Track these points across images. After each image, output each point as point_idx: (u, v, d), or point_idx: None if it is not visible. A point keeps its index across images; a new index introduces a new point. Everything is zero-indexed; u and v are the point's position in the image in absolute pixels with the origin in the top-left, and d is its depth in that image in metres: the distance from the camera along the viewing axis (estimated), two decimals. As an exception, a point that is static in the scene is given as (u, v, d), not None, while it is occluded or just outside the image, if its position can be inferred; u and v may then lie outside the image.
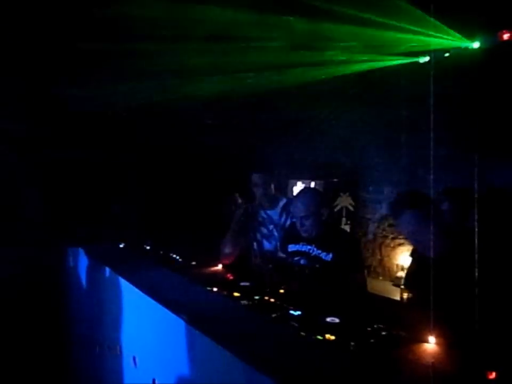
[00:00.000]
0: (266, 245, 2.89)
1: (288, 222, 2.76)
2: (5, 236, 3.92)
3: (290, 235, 2.47)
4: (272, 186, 2.91)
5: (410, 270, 2.34)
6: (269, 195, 2.90)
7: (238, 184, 3.55)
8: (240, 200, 3.15)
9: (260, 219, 2.92)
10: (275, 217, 2.90)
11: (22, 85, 4.06)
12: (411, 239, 2.08)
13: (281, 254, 2.60)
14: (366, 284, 2.35)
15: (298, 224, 2.34)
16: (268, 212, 2.92)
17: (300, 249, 2.39)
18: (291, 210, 2.55)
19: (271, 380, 1.19)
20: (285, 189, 3.02)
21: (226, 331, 1.56)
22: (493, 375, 1.22)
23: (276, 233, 2.86)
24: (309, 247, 2.34)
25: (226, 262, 2.68)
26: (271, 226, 2.89)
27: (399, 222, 2.06)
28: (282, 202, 2.93)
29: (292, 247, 2.44)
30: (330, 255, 2.25)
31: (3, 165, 4.11)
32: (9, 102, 4.10)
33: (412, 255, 2.38)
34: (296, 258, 2.38)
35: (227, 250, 2.79)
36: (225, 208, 3.16)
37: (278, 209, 2.91)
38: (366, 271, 2.55)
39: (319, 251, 2.29)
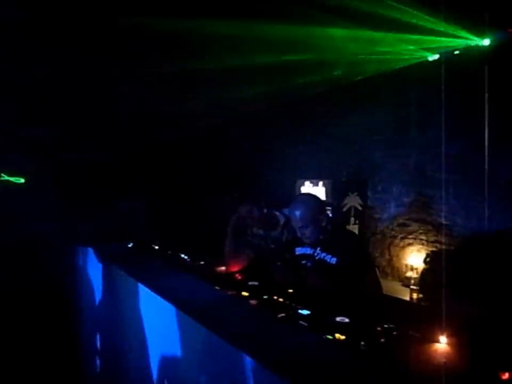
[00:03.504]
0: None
1: (290, 237, 2.74)
2: (14, 234, 3.96)
3: (296, 238, 2.44)
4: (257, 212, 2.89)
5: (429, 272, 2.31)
6: (261, 221, 2.88)
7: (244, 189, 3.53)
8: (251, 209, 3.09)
9: (260, 238, 2.91)
10: (276, 236, 2.87)
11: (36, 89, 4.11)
12: None
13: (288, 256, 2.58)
14: (379, 285, 2.32)
15: (298, 234, 2.33)
16: (268, 232, 2.90)
17: (305, 252, 2.38)
18: (289, 217, 2.52)
19: (282, 380, 1.19)
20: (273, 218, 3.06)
21: (237, 330, 1.56)
22: (506, 376, 1.20)
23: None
24: (313, 250, 2.33)
25: (234, 269, 2.66)
26: (272, 245, 2.86)
27: None
28: (282, 220, 2.90)
29: (299, 250, 2.43)
30: (335, 259, 2.22)
31: (14, 166, 4.16)
32: (18, 104, 4.14)
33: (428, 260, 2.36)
34: (303, 262, 2.36)
35: (228, 256, 2.78)
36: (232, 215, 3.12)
37: (279, 228, 2.89)
38: (377, 272, 2.49)
39: (324, 254, 2.27)
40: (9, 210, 4.04)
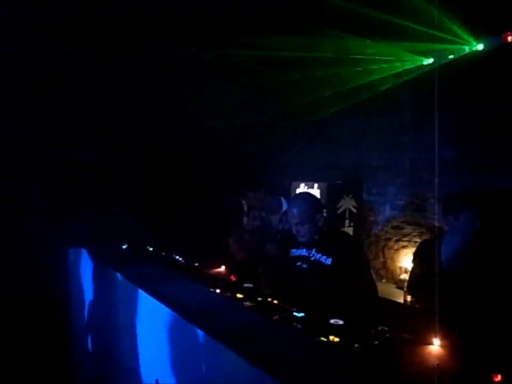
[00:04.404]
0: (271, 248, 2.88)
1: (286, 227, 2.74)
2: (6, 236, 3.93)
3: (291, 240, 2.44)
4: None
5: (419, 274, 2.34)
6: (264, 203, 2.92)
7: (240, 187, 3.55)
8: (245, 204, 3.17)
9: (261, 221, 2.92)
10: (275, 222, 2.88)
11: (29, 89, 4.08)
12: (465, 238, 2.13)
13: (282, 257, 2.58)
14: (375, 285, 2.33)
15: (294, 230, 2.33)
16: (270, 216, 2.91)
17: (301, 253, 2.38)
18: (287, 216, 2.53)
19: (274, 380, 1.19)
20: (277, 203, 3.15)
21: (229, 331, 1.56)
22: (498, 378, 1.21)
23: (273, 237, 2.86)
24: (309, 251, 2.33)
25: (240, 258, 2.65)
26: (271, 231, 2.87)
27: (457, 220, 2.12)
28: (285, 206, 2.92)
29: (294, 252, 2.43)
30: (330, 260, 2.23)
31: (7, 166, 4.13)
32: (14, 103, 4.12)
33: (416, 260, 2.38)
34: (298, 263, 2.37)
35: (234, 245, 2.76)
36: (231, 210, 3.18)
37: (280, 214, 2.91)
38: (373, 273, 2.50)
39: (319, 255, 2.27)
40: (1, 211, 4.01)
